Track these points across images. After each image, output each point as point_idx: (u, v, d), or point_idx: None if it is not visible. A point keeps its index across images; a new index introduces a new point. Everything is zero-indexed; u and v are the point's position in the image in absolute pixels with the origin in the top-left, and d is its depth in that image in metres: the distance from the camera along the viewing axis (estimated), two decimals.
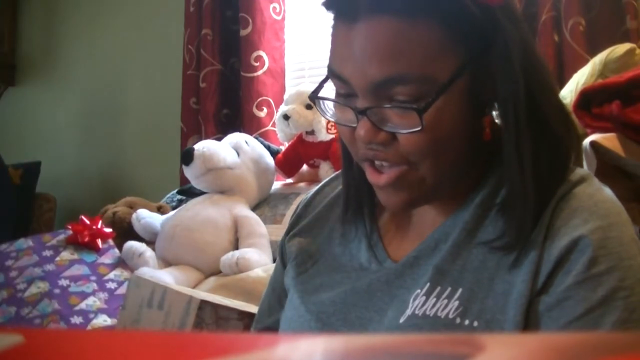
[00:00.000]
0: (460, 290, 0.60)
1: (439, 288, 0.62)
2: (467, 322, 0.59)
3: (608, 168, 1.05)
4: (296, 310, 0.71)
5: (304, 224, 0.78)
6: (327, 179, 0.82)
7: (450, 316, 0.60)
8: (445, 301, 0.61)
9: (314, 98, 0.65)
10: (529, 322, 0.58)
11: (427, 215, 0.68)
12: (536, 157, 0.60)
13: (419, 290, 0.63)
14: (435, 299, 0.61)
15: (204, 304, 0.95)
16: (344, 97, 0.62)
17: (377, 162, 0.62)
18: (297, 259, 0.75)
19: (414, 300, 0.63)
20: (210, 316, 0.96)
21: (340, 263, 0.72)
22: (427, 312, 0.61)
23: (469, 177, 0.66)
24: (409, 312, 0.63)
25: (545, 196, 0.60)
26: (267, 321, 0.81)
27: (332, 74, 0.62)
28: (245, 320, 0.97)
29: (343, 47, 0.60)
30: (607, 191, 0.62)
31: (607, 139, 1.04)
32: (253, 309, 0.91)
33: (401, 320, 0.63)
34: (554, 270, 0.58)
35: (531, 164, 0.60)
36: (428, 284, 0.63)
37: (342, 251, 0.72)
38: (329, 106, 0.65)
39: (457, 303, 0.60)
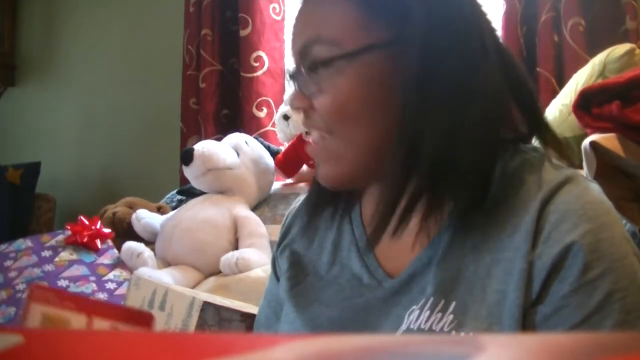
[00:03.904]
0: (454, 303, 0.60)
1: (432, 300, 0.61)
2: (462, 334, 0.59)
3: (608, 168, 1.05)
4: (292, 325, 0.71)
5: (294, 234, 0.78)
6: None
7: (446, 329, 0.59)
8: (440, 314, 0.60)
9: (289, 73, 0.70)
10: (527, 330, 0.57)
11: (414, 220, 0.67)
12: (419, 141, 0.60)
13: (414, 307, 0.63)
14: (428, 312, 0.61)
15: (206, 305, 0.95)
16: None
17: (311, 134, 0.67)
18: (289, 271, 0.75)
19: (409, 315, 0.63)
20: (213, 317, 0.96)
21: (332, 275, 0.71)
22: (422, 326, 0.61)
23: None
24: (404, 327, 0.62)
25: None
26: (265, 333, 0.81)
27: None
28: (248, 321, 0.96)
29: (293, 24, 0.68)
30: (595, 190, 0.61)
31: (607, 139, 1.04)
32: (255, 310, 0.91)
33: None
34: (548, 278, 0.57)
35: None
36: (423, 299, 0.62)
37: (333, 260, 0.72)
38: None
39: (451, 317, 0.60)
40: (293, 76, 0.66)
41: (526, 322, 0.57)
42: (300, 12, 0.66)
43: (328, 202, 0.74)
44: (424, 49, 0.60)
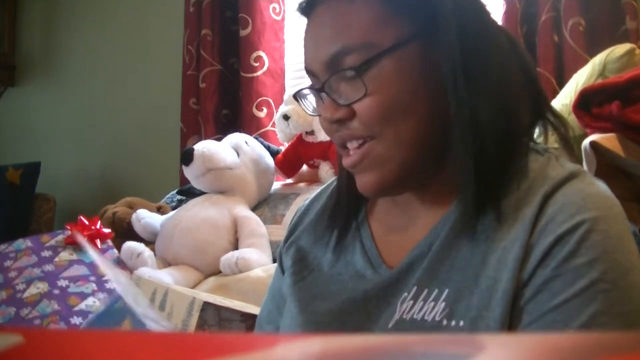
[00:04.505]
0: (446, 291, 0.60)
1: (425, 291, 0.62)
2: (453, 322, 0.59)
3: (608, 168, 1.05)
4: (294, 320, 0.71)
5: (302, 230, 0.78)
6: (324, 186, 0.82)
7: (437, 318, 0.60)
8: (432, 304, 0.61)
9: (295, 95, 0.70)
10: (513, 317, 0.57)
11: (419, 216, 0.68)
12: (475, 132, 0.61)
13: (406, 294, 0.63)
14: (422, 302, 0.61)
15: (206, 305, 0.95)
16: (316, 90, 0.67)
17: (349, 145, 0.65)
18: (294, 267, 0.75)
19: (402, 304, 0.63)
20: (213, 317, 0.96)
21: (336, 271, 0.72)
22: (415, 316, 0.61)
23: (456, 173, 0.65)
24: (396, 316, 0.63)
25: (490, 171, 0.61)
26: (267, 328, 0.81)
27: (305, 70, 0.68)
28: (248, 321, 0.96)
29: (306, 41, 0.66)
30: (599, 186, 0.61)
31: (606, 139, 1.05)
32: (256, 310, 0.91)
33: (390, 325, 0.63)
34: (538, 266, 0.57)
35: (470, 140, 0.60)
36: (415, 287, 0.63)
37: (337, 257, 0.72)
38: (311, 102, 0.70)
39: (443, 305, 0.60)
40: (320, 89, 0.65)
41: (514, 307, 0.57)
42: (315, 25, 0.65)
43: (353, 210, 0.74)
44: (461, 33, 0.61)
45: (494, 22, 0.66)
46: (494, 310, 0.57)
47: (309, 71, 0.66)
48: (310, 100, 0.70)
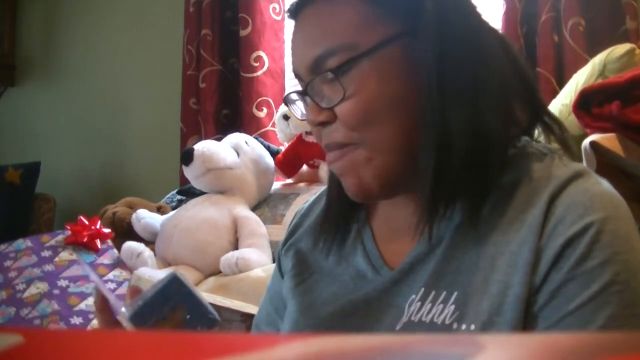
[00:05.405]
0: (455, 293, 0.60)
1: (433, 293, 0.62)
2: (464, 326, 0.58)
3: (608, 168, 1.05)
4: (295, 324, 0.71)
5: (301, 233, 0.78)
6: (324, 188, 0.81)
7: (447, 322, 0.59)
8: (441, 306, 0.60)
9: (285, 99, 0.70)
10: (526, 323, 0.57)
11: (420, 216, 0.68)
12: (444, 135, 0.60)
13: (414, 296, 0.63)
14: (430, 305, 0.61)
15: None
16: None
17: (333, 152, 0.65)
18: (294, 269, 0.75)
19: (409, 306, 0.63)
20: None
21: (337, 273, 0.71)
22: (423, 319, 0.61)
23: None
24: (404, 318, 0.63)
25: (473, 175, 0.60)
26: (266, 330, 0.81)
27: (293, 74, 0.68)
28: (248, 322, 0.96)
29: (293, 45, 0.67)
30: (605, 185, 0.61)
31: (606, 139, 1.05)
32: (255, 310, 0.91)
33: (397, 327, 0.63)
34: (550, 269, 0.57)
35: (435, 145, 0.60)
36: (423, 289, 0.62)
37: (338, 259, 0.72)
38: (299, 106, 0.70)
39: (452, 307, 0.60)
40: (304, 93, 0.65)
41: (527, 313, 0.57)
42: (300, 29, 0.65)
43: (346, 215, 0.74)
44: (440, 36, 0.60)
45: (485, 26, 0.65)
46: (506, 315, 0.57)
47: (297, 75, 0.67)
48: (299, 105, 0.70)
